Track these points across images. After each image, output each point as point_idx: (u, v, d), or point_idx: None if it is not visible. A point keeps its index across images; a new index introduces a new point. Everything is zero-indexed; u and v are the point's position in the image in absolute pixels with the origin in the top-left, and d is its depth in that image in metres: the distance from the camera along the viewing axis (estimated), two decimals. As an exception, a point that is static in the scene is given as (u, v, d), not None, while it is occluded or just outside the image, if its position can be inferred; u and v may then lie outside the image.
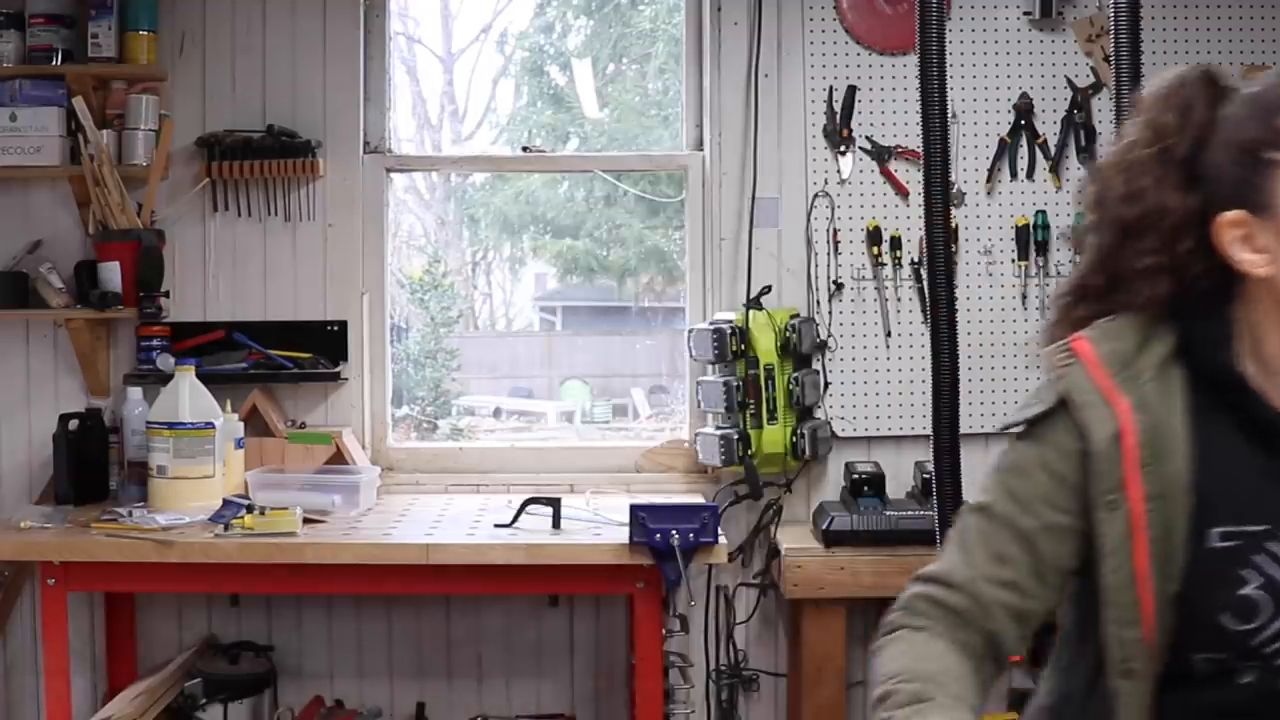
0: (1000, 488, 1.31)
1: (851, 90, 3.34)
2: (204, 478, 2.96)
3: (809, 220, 3.34)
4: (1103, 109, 3.34)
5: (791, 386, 3.20)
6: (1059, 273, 3.35)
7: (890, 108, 3.34)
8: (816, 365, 3.32)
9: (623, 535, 2.74)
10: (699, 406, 3.32)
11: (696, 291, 3.43)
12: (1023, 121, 3.34)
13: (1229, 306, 1.29)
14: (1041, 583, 1.29)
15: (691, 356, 3.31)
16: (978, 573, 1.28)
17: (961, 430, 2.45)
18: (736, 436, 3.18)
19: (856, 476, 3.16)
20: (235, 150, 3.28)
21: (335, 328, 3.35)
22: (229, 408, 3.09)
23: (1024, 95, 3.34)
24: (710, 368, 3.31)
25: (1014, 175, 3.35)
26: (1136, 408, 1.26)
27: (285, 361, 3.28)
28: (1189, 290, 1.30)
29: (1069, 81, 3.35)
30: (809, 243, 3.35)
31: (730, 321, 3.21)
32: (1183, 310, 1.30)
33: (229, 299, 3.36)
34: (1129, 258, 1.31)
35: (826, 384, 3.33)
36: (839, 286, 3.34)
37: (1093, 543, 1.26)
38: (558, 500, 2.92)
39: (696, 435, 3.31)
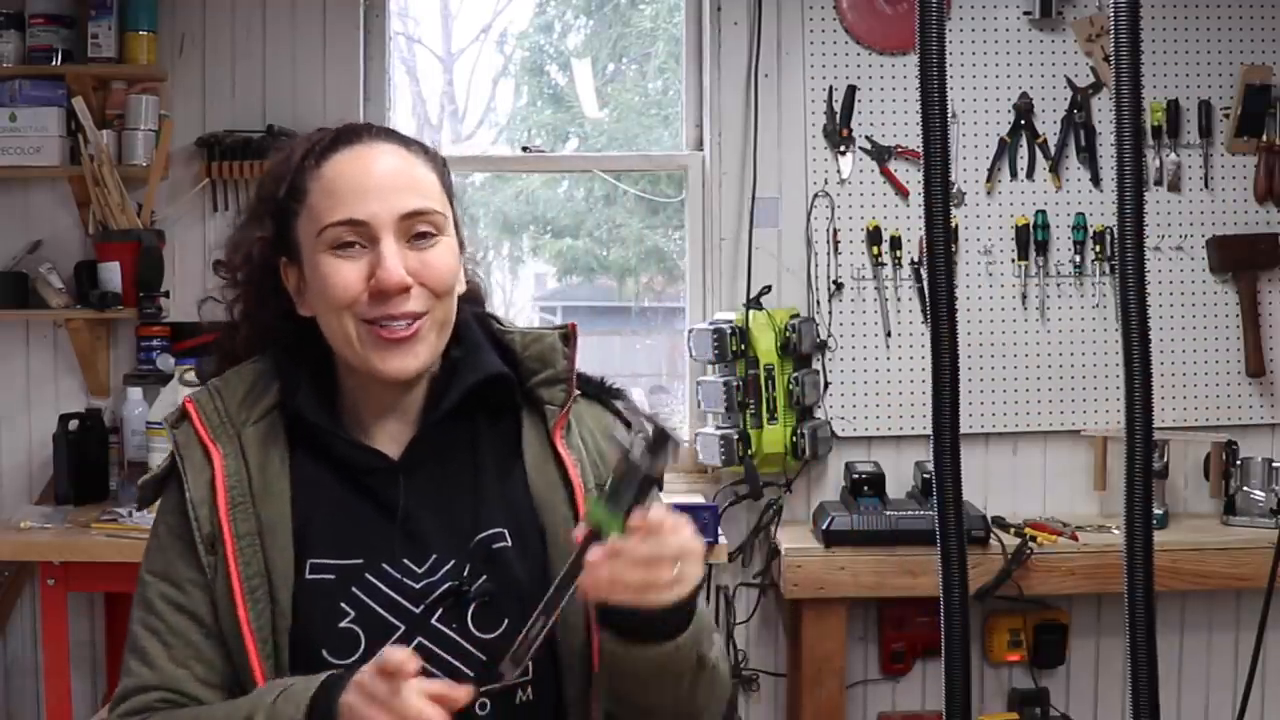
0: (149, 574, 1.32)
1: (851, 90, 3.33)
2: (204, 478, 2.96)
3: (809, 220, 3.34)
4: (1103, 109, 3.34)
5: (791, 386, 3.20)
6: (1059, 273, 3.35)
7: (890, 108, 3.34)
8: (816, 365, 3.32)
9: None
10: (699, 406, 3.32)
11: (696, 291, 3.43)
12: (1023, 121, 3.34)
13: (315, 351, 1.33)
14: (220, 642, 1.26)
15: (691, 356, 3.31)
16: (162, 666, 1.26)
17: (961, 430, 2.45)
18: (736, 436, 3.18)
19: (856, 476, 3.16)
20: (235, 150, 3.28)
21: (335, 328, 3.34)
22: (229, 408, 3.08)
23: (1024, 95, 3.34)
24: (710, 368, 3.31)
25: (1014, 175, 3.35)
26: (231, 455, 1.29)
27: (285, 361, 3.28)
28: (281, 337, 1.36)
29: (1069, 81, 3.35)
30: (809, 243, 3.35)
31: (730, 321, 3.21)
32: (283, 360, 1.35)
33: (229, 299, 3.35)
34: (242, 303, 1.38)
35: (826, 384, 3.33)
36: (839, 286, 3.34)
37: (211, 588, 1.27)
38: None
39: (696, 435, 3.31)
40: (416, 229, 1.28)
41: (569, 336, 1.37)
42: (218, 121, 3.33)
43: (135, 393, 3.17)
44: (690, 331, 3.29)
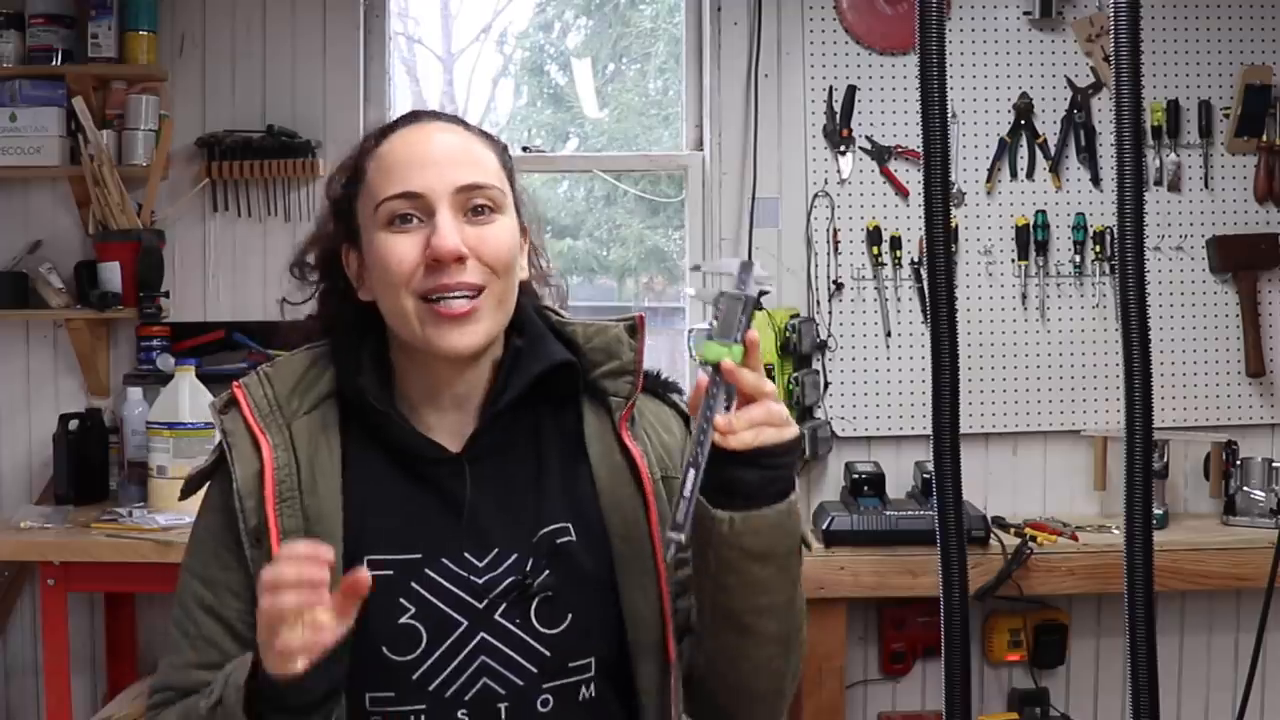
0: (187, 572, 1.30)
1: (851, 90, 3.34)
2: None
3: (809, 220, 3.34)
4: (1103, 109, 3.34)
5: (791, 386, 3.20)
6: (1059, 273, 3.35)
7: (890, 108, 3.34)
8: (816, 365, 3.32)
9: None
10: (699, 406, 3.31)
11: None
12: (1023, 121, 3.34)
13: (375, 339, 1.31)
14: (250, 646, 1.21)
15: (691, 356, 3.31)
16: (188, 669, 1.26)
17: (961, 430, 2.45)
18: (736, 436, 3.17)
19: (856, 476, 3.16)
20: (235, 150, 3.28)
21: (335, 328, 3.34)
22: (229, 408, 3.09)
23: (1024, 95, 3.34)
24: (711, 368, 3.30)
25: (1014, 175, 3.35)
26: (281, 446, 1.26)
27: (285, 361, 3.28)
28: (341, 323, 1.34)
29: (1069, 81, 3.35)
30: (809, 243, 3.35)
31: (730, 321, 3.20)
32: (342, 344, 1.33)
33: (229, 299, 3.36)
34: (315, 300, 1.37)
35: (826, 384, 3.33)
36: (839, 286, 3.34)
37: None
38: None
39: (696, 435, 3.31)
40: (474, 203, 1.26)
41: (635, 328, 1.36)
42: (218, 121, 3.33)
43: (135, 393, 3.17)
44: (690, 331, 3.29)
